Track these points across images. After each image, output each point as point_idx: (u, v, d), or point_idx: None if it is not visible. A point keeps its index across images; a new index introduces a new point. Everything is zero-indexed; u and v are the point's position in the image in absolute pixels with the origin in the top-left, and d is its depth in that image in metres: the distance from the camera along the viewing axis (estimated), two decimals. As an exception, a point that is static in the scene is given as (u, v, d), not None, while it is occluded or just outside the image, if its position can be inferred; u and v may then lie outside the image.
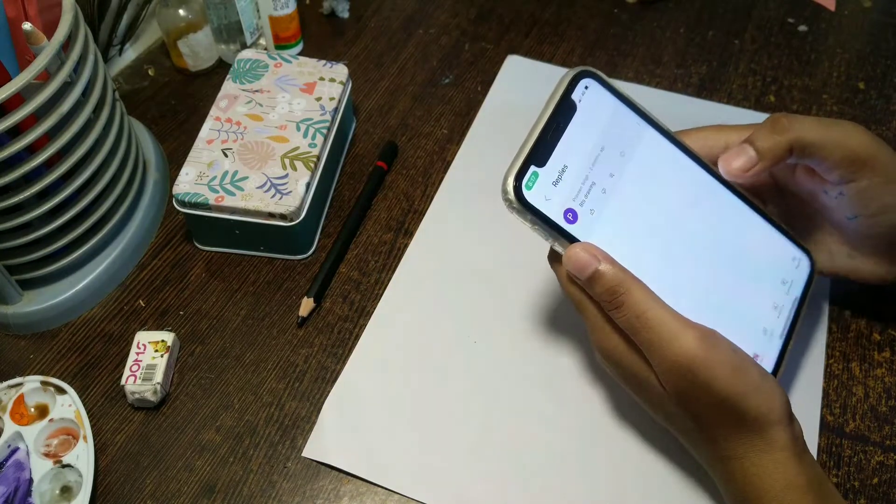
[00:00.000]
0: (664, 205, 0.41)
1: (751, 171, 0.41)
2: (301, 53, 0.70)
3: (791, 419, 0.38)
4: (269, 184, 0.53)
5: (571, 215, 0.39)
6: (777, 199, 0.47)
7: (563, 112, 0.39)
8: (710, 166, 0.43)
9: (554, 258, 0.41)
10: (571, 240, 0.38)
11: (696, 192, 0.42)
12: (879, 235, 0.44)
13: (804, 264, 0.46)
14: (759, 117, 0.47)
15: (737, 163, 0.42)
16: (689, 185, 0.42)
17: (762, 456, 0.37)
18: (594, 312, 0.40)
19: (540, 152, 0.38)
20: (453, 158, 0.61)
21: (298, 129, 0.56)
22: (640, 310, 0.37)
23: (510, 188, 0.37)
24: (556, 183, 0.38)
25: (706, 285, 0.41)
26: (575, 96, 0.39)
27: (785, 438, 0.37)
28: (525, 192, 0.37)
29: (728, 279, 0.42)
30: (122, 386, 0.47)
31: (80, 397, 0.47)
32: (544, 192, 0.38)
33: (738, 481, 0.38)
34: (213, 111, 0.57)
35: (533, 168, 0.38)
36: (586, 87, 0.39)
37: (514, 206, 0.37)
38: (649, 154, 0.41)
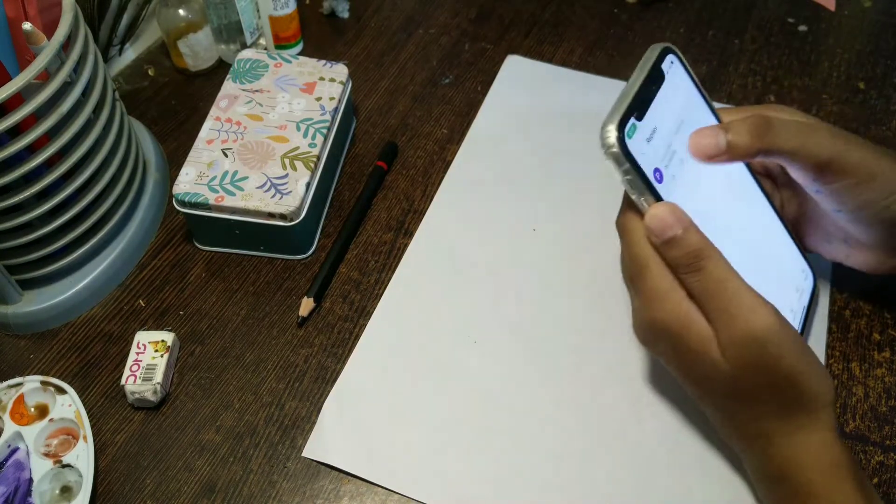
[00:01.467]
0: (715, 193, 0.42)
1: (712, 160, 0.40)
2: (301, 53, 0.70)
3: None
4: (269, 184, 0.53)
5: (658, 175, 0.38)
6: (782, 183, 0.48)
7: (654, 78, 0.39)
8: (749, 166, 0.44)
9: (628, 216, 0.40)
10: (657, 198, 0.38)
11: (739, 189, 0.43)
12: (867, 227, 0.44)
13: (810, 278, 0.48)
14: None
15: (704, 143, 0.40)
16: (734, 181, 0.43)
17: (810, 435, 0.38)
18: (659, 277, 0.39)
19: (639, 106, 0.37)
20: (453, 158, 0.61)
21: (298, 129, 0.56)
22: (721, 276, 0.37)
23: (612, 134, 0.36)
24: (649, 140, 0.38)
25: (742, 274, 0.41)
26: (664, 67, 0.39)
27: (832, 421, 0.38)
28: (627, 140, 0.36)
29: (758, 275, 0.43)
30: (122, 386, 0.47)
31: (80, 397, 0.47)
32: (640, 145, 0.37)
33: (780, 458, 0.38)
34: (213, 111, 0.57)
35: (633, 120, 0.37)
36: (671, 63, 0.40)
37: (615, 152, 0.36)
38: None
